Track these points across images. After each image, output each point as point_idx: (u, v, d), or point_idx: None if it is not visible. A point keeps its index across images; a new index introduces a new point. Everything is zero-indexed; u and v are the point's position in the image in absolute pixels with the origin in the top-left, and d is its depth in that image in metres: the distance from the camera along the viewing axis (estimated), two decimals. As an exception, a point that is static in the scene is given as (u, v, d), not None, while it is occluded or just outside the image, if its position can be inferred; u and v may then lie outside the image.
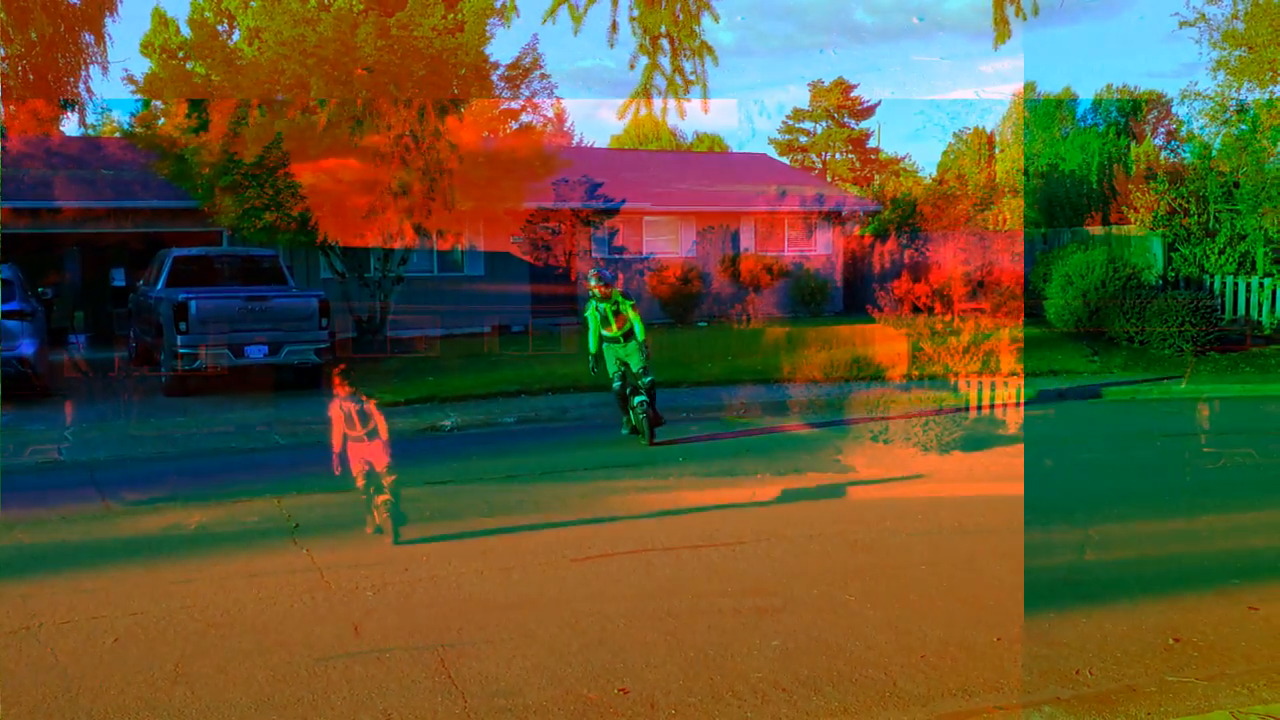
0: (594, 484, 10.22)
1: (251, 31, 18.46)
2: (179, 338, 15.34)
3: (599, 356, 12.19)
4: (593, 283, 12.01)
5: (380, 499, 8.06)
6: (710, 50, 9.51)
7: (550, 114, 20.96)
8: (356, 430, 7.99)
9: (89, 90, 23.91)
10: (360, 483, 8.11)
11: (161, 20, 19.41)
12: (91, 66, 24.46)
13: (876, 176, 51.00)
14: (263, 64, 17.91)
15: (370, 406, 8.08)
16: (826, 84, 57.84)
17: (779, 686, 5.31)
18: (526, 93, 20.03)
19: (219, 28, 19.43)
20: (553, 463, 11.32)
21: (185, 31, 19.20)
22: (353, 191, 18.20)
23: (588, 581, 7.10)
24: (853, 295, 30.49)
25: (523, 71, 19.70)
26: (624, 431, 12.41)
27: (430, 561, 7.50)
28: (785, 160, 52.68)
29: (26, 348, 15.07)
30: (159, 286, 16.95)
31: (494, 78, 19.58)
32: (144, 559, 7.82)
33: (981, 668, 5.53)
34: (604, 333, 12.04)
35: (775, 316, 28.19)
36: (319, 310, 16.26)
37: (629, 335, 11.93)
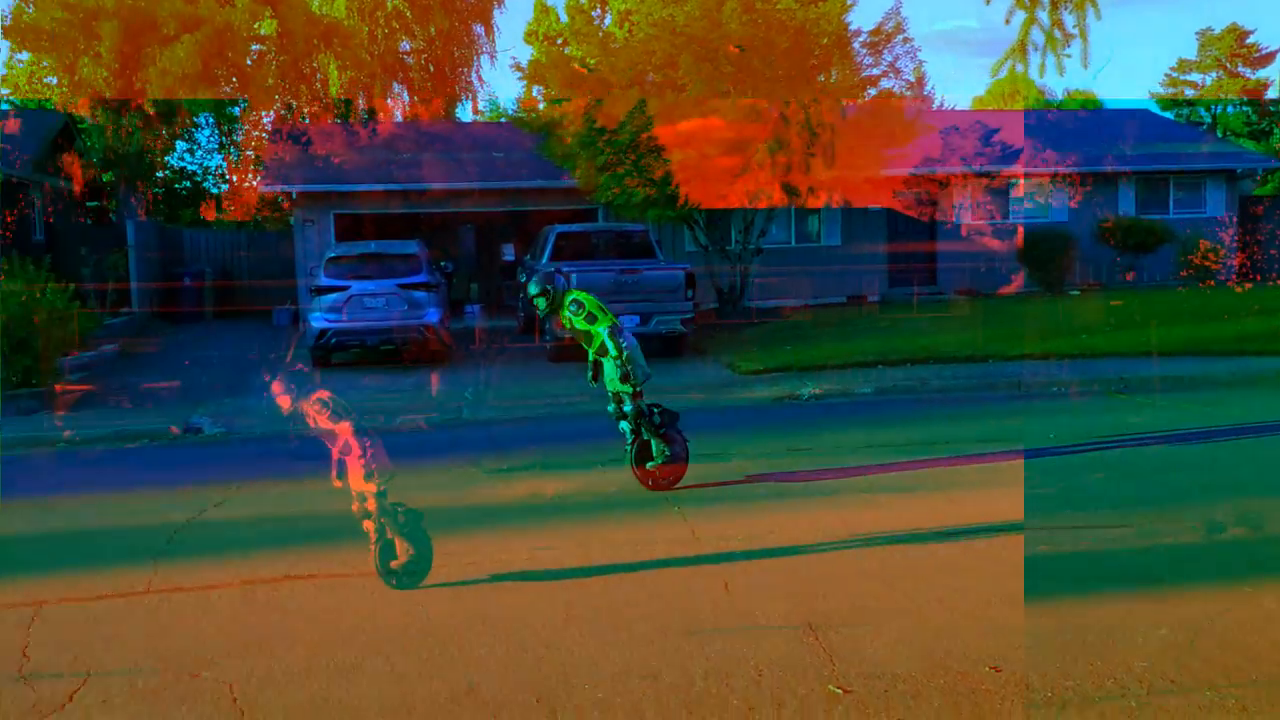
0: (961, 460, 9.97)
1: (622, 15, 19.42)
2: (562, 308, 16.50)
3: (595, 366, 9.31)
4: (532, 291, 9.25)
5: (366, 525, 6.68)
6: (1093, 1, 8.96)
7: (911, 78, 20.54)
8: (335, 445, 6.56)
9: (480, 79, 26.09)
10: (354, 505, 6.72)
11: (543, 9, 20.81)
12: (481, 56, 26.69)
13: (1276, 130, 45.80)
14: (634, 45, 18.81)
15: (324, 419, 6.49)
16: (1216, 31, 52.48)
17: (1166, 678, 5.06)
18: (889, 58, 19.76)
19: (593, 13, 20.58)
20: (915, 434, 11.20)
21: (564, 18, 20.48)
22: (721, 153, 18.60)
23: (955, 558, 7.04)
24: (1250, 260, 27.71)
25: (884, 37, 19.43)
26: (626, 462, 9.26)
27: (796, 531, 7.69)
28: (1169, 115, 48.45)
29: (431, 316, 16.80)
30: (543, 260, 18.34)
31: (855, 45, 19.47)
32: (535, 519, 8.56)
33: (1407, 678, 5.00)
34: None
35: (1157, 283, 26.14)
36: (685, 282, 16.96)
37: (603, 350, 9.07)
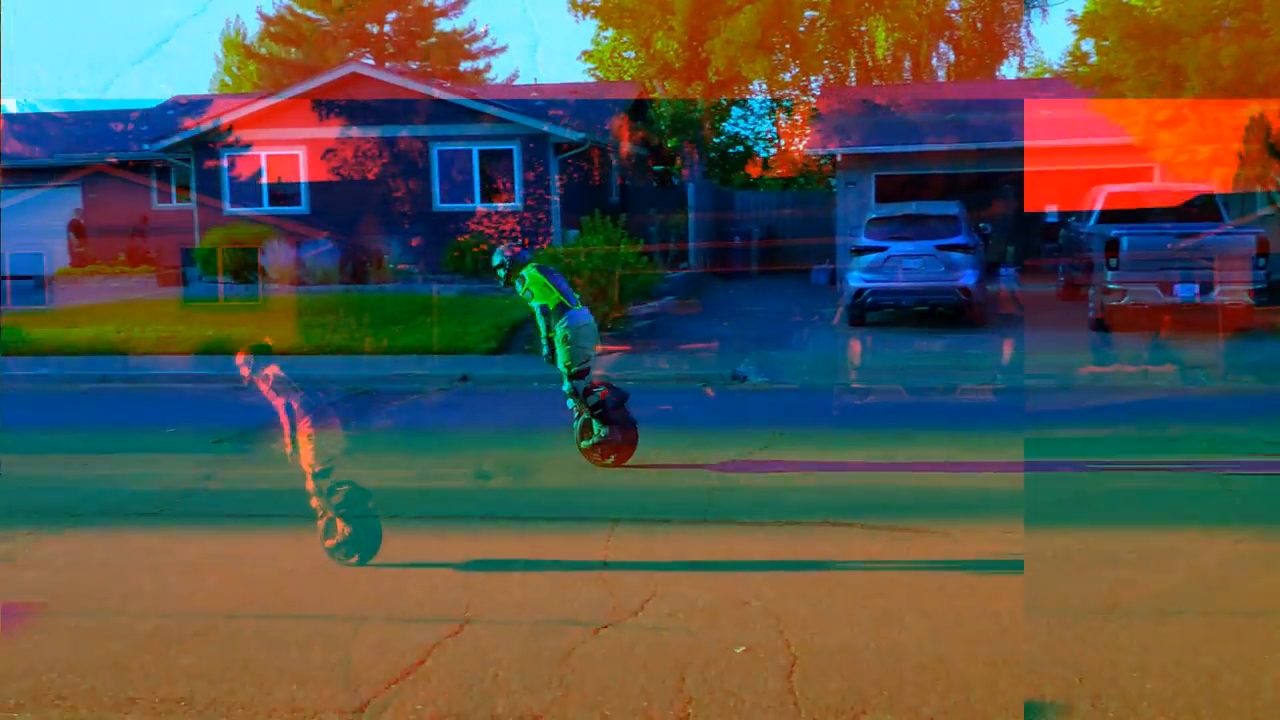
0: None
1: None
2: (1109, 273, 15.60)
3: (549, 344, 9.00)
4: (495, 261, 9.12)
5: (314, 503, 6.64)
6: None
7: None
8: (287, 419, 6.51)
9: (1028, 34, 25.08)
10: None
11: (1103, -44, 19.42)
12: (1033, 10, 25.61)
13: None
14: (1210, -12, 17.09)
15: (266, 391, 6.50)
16: None
17: None
18: None
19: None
20: None
21: (1128, -35, 19.02)
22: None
23: None
24: None
25: None
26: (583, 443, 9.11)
27: None
28: None
29: (968, 278, 16.63)
30: (1091, 223, 17.42)
31: None
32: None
33: None
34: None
35: None
36: (1256, 248, 15.26)
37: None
